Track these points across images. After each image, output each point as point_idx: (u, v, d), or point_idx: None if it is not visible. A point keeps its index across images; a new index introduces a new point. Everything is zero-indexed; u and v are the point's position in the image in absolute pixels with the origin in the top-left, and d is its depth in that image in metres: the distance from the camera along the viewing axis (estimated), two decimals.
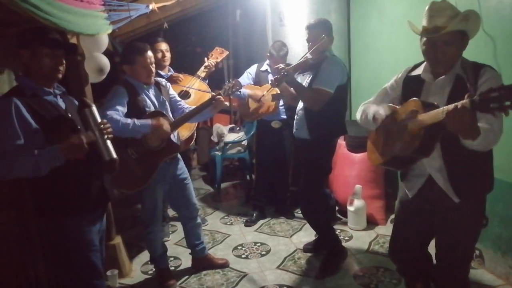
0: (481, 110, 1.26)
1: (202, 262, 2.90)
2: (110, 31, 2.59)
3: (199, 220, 2.85)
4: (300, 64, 2.60)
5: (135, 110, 2.37)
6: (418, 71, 1.78)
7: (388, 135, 1.77)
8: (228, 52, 3.47)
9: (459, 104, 1.31)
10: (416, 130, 1.54)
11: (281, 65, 2.61)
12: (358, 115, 1.99)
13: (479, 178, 1.72)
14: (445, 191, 1.71)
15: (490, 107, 1.21)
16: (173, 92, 2.72)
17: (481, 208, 1.78)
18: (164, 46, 3.27)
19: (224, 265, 2.92)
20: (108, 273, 2.61)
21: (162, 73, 3.22)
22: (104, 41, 2.56)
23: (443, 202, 1.74)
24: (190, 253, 2.94)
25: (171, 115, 2.55)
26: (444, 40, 1.58)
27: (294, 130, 2.82)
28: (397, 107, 1.74)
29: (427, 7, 1.64)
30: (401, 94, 1.83)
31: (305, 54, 2.60)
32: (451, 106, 1.33)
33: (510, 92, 1.16)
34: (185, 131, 3.00)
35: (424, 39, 1.65)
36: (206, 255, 2.92)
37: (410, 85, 1.79)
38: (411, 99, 1.62)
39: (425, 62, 1.76)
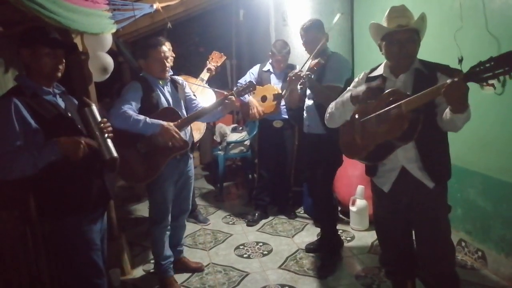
0: (475, 80, 1.43)
1: (177, 264, 2.84)
2: (114, 30, 2.60)
3: (185, 223, 2.85)
4: (315, 65, 2.60)
5: (149, 105, 2.39)
6: (378, 71, 1.95)
7: (368, 127, 1.86)
8: (226, 57, 3.51)
9: (454, 78, 1.47)
10: (401, 115, 1.66)
11: (304, 73, 2.57)
12: (328, 112, 2.09)
13: (445, 165, 1.89)
14: (419, 179, 1.83)
15: (482, 77, 1.41)
16: (189, 90, 2.73)
17: (446, 194, 1.93)
18: (169, 45, 3.28)
19: (198, 269, 2.88)
20: (110, 271, 2.62)
21: None
22: (108, 41, 2.57)
23: (418, 191, 1.85)
24: None
25: (185, 113, 2.56)
26: (407, 37, 1.77)
27: (305, 126, 2.83)
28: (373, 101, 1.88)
29: (387, 12, 1.85)
30: None
31: (311, 55, 2.63)
32: (449, 81, 1.49)
33: (497, 62, 1.36)
34: (195, 134, 3.04)
35: (386, 40, 1.82)
36: (181, 258, 2.89)
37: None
38: (390, 89, 1.77)
39: (382, 64, 1.95)
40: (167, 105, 2.46)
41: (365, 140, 1.87)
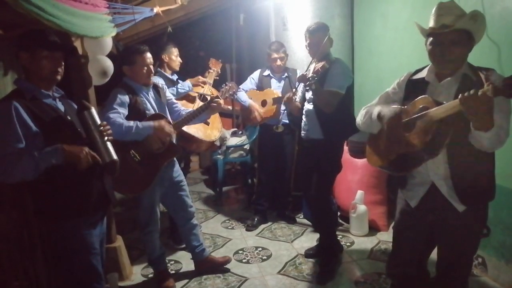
0: (506, 94, 1.27)
1: (205, 264, 2.88)
2: (114, 34, 2.60)
3: (196, 222, 2.85)
4: (320, 68, 2.60)
5: (136, 112, 2.39)
6: (422, 74, 1.77)
7: (392, 135, 1.73)
8: (222, 63, 3.65)
9: (479, 90, 1.31)
10: (426, 126, 1.52)
11: (310, 75, 2.54)
12: (359, 118, 1.96)
13: (483, 185, 1.68)
14: (448, 199, 1.68)
15: None
16: (169, 94, 2.79)
17: (483, 216, 1.75)
18: (177, 51, 3.36)
19: (226, 262, 2.92)
20: (108, 276, 2.60)
21: (167, 74, 3.31)
22: (108, 44, 2.56)
23: (446, 211, 1.70)
24: (191, 258, 2.93)
25: (169, 117, 2.59)
26: (452, 39, 1.57)
27: (303, 131, 2.84)
28: (404, 107, 1.70)
29: (434, 8, 1.63)
30: (403, 97, 1.81)
31: (314, 58, 2.64)
32: (471, 91, 1.32)
33: None
34: (215, 133, 3.18)
35: (431, 39, 1.64)
36: (207, 256, 2.90)
37: (414, 88, 1.75)
38: (421, 96, 1.60)
39: (428, 66, 1.76)
40: (153, 111, 2.49)
41: (388, 148, 1.74)
